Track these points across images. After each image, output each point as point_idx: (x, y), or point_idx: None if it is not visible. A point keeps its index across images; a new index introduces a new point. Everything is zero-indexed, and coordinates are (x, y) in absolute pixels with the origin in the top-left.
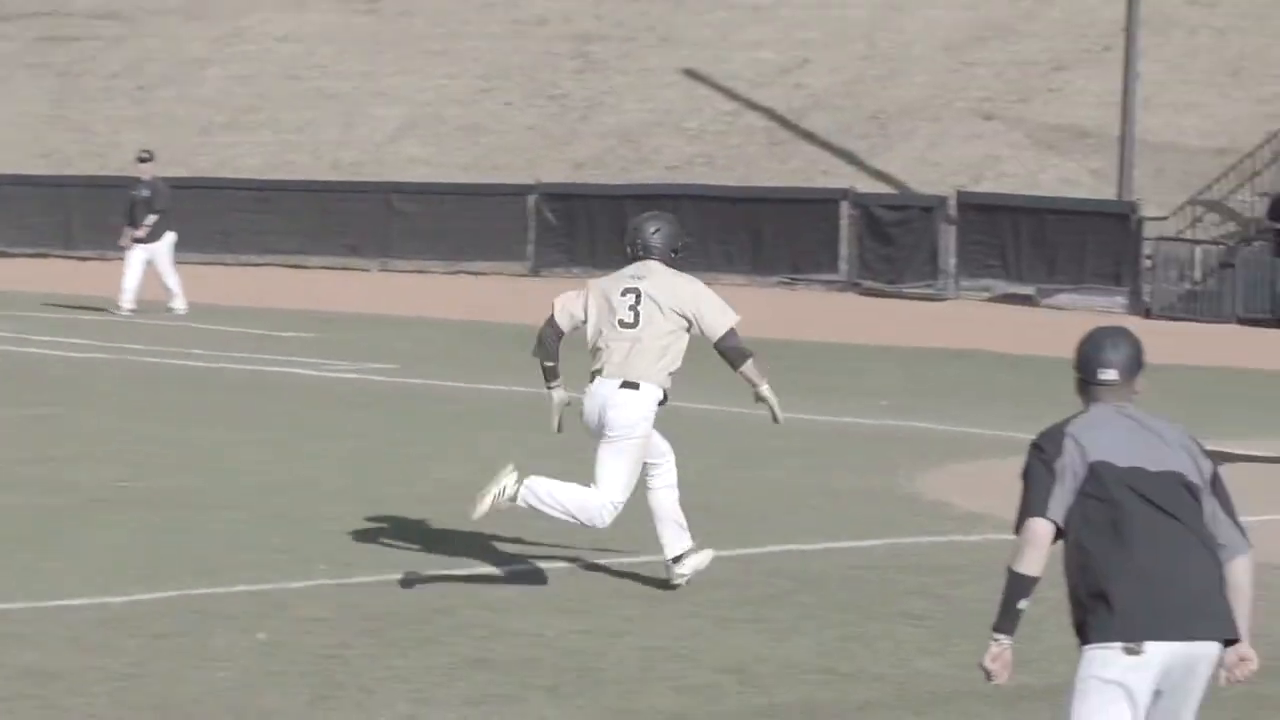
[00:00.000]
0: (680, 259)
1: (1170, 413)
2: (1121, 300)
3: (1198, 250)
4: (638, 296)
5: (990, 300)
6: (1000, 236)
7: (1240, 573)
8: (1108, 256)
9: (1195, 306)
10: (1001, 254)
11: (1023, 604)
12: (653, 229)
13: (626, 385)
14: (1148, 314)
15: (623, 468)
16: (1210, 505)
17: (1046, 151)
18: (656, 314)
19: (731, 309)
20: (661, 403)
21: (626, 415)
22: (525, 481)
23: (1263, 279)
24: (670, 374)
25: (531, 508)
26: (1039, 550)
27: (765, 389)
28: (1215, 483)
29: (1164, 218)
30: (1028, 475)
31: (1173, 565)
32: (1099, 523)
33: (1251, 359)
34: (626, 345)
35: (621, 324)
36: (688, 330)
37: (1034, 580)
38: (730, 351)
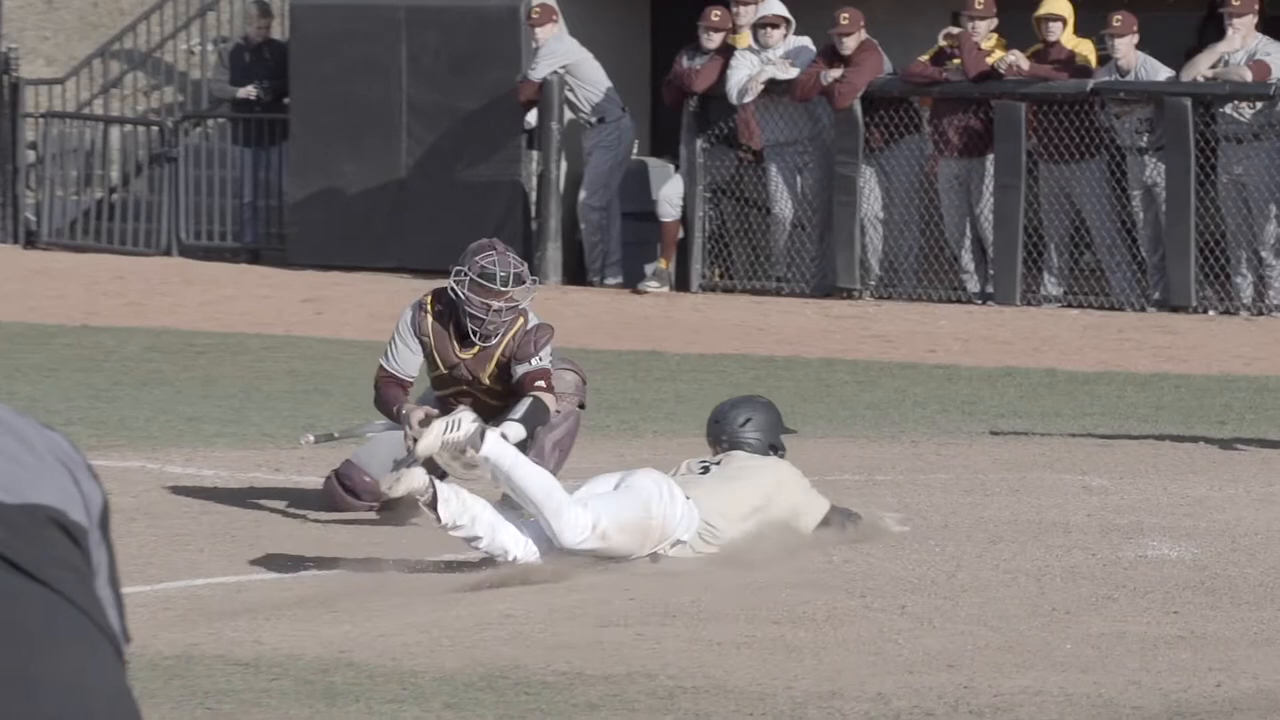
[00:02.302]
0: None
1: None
2: None
3: (116, 134)
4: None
5: None
6: None
7: None
8: None
9: (127, 229)
10: None
11: None
12: (742, 419)
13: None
14: (32, 241)
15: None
16: (101, 558)
17: None
18: (735, 479)
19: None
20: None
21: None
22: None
23: (223, 180)
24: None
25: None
26: None
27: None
28: (106, 523)
29: (59, 81)
30: None
31: (44, 667)
32: None
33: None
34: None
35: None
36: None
37: None
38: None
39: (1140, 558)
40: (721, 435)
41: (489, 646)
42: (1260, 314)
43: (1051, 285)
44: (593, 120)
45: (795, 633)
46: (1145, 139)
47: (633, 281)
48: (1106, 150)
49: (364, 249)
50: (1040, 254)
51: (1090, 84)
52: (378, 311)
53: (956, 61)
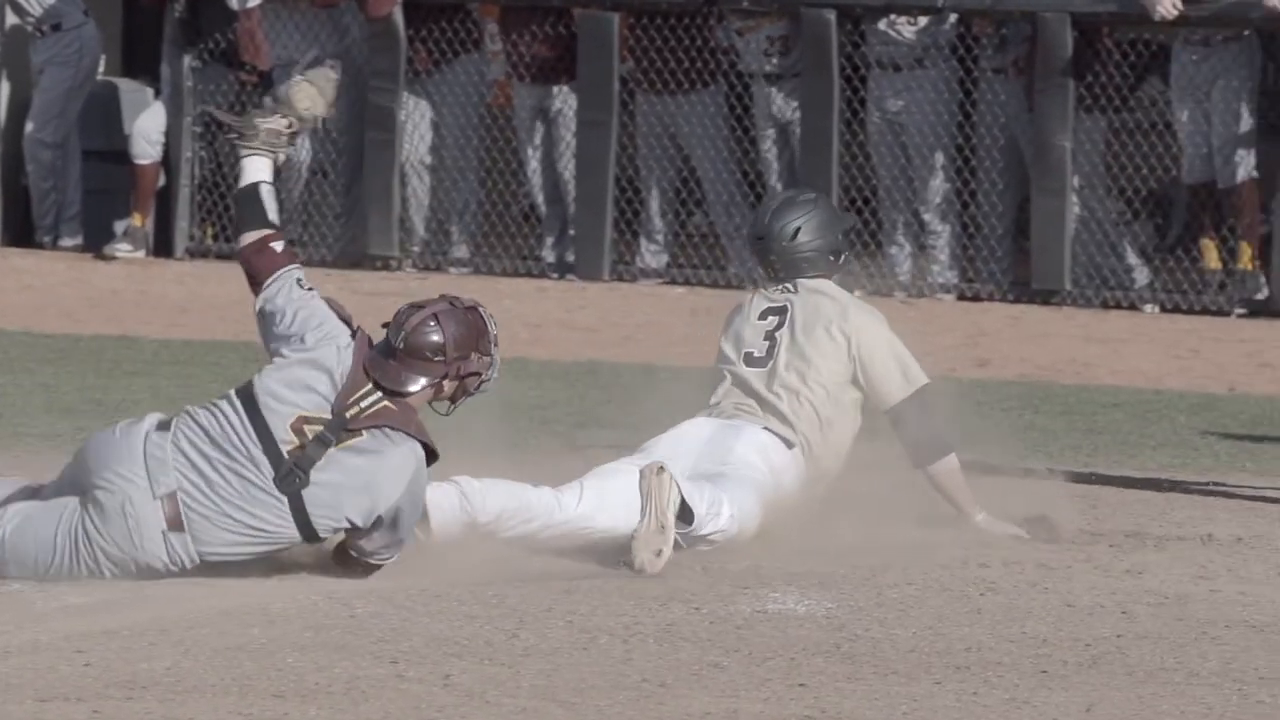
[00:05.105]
0: (847, 268)
1: None
2: None
3: None
4: (782, 319)
5: None
6: None
7: None
8: None
9: None
10: None
11: None
12: (791, 230)
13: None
14: None
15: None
16: None
17: None
18: (807, 349)
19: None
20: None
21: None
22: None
23: None
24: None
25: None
26: None
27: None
28: None
29: None
30: None
31: None
32: None
33: None
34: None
35: (750, 359)
36: (853, 384)
37: None
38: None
39: (758, 613)
40: (770, 256)
41: None
42: (921, 295)
43: (650, 255)
44: (44, 27)
45: (304, 709)
46: (775, 63)
47: (97, 243)
48: (725, 77)
49: None
50: (636, 214)
51: None
52: None
53: None
